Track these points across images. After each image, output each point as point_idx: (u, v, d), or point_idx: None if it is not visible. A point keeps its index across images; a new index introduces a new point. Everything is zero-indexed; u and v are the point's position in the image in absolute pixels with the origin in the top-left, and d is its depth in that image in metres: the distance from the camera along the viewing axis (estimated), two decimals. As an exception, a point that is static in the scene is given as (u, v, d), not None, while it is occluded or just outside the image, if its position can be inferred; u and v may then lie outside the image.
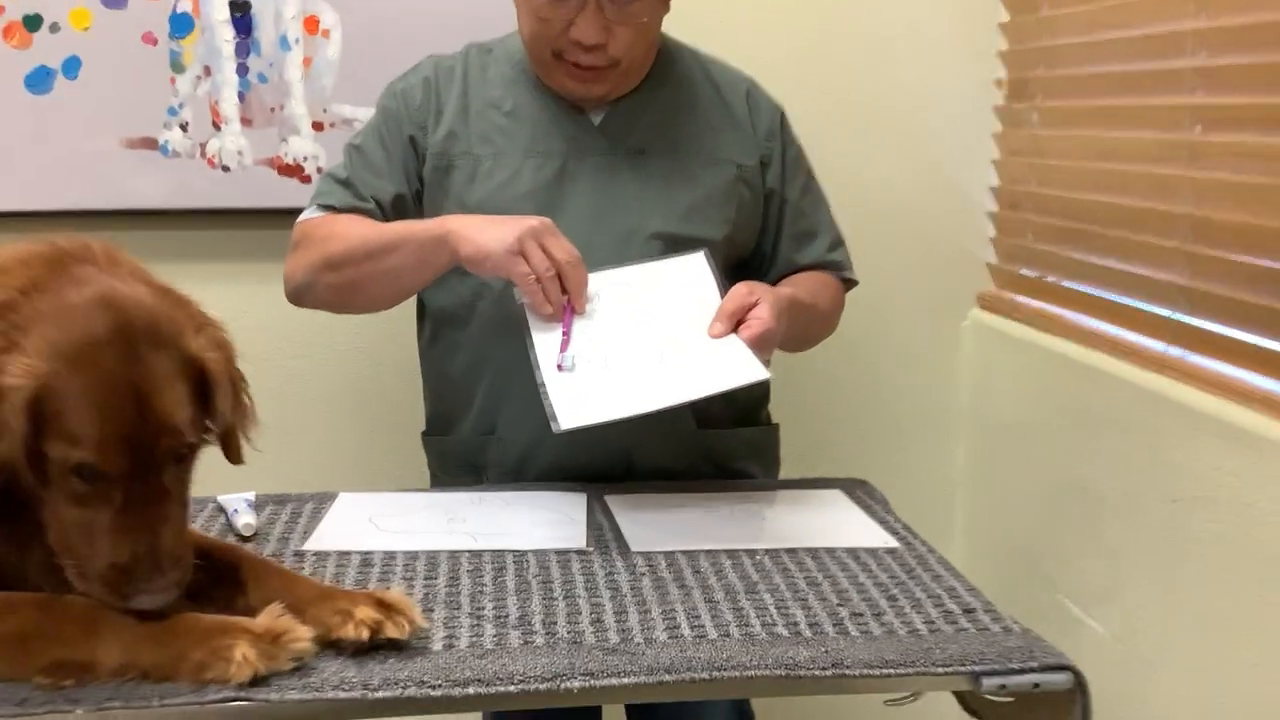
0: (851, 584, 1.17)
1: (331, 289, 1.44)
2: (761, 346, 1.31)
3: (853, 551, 1.26)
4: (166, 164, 1.88)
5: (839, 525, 1.35)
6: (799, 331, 1.48)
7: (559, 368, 1.27)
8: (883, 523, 1.36)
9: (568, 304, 1.32)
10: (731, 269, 1.54)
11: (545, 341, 1.30)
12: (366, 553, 1.22)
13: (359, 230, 1.42)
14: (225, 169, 1.89)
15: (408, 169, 1.50)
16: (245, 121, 1.90)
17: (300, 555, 1.22)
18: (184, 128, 1.88)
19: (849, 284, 1.63)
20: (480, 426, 1.51)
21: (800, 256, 1.58)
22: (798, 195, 1.58)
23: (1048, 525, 1.83)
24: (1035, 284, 1.96)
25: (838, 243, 1.62)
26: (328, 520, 1.32)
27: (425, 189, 1.50)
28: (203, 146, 1.88)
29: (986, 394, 2.06)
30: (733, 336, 1.31)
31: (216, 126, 1.88)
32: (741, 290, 1.34)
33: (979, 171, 2.07)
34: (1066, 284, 1.86)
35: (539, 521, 1.32)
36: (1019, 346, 1.93)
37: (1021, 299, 1.98)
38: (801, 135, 1.62)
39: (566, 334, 1.30)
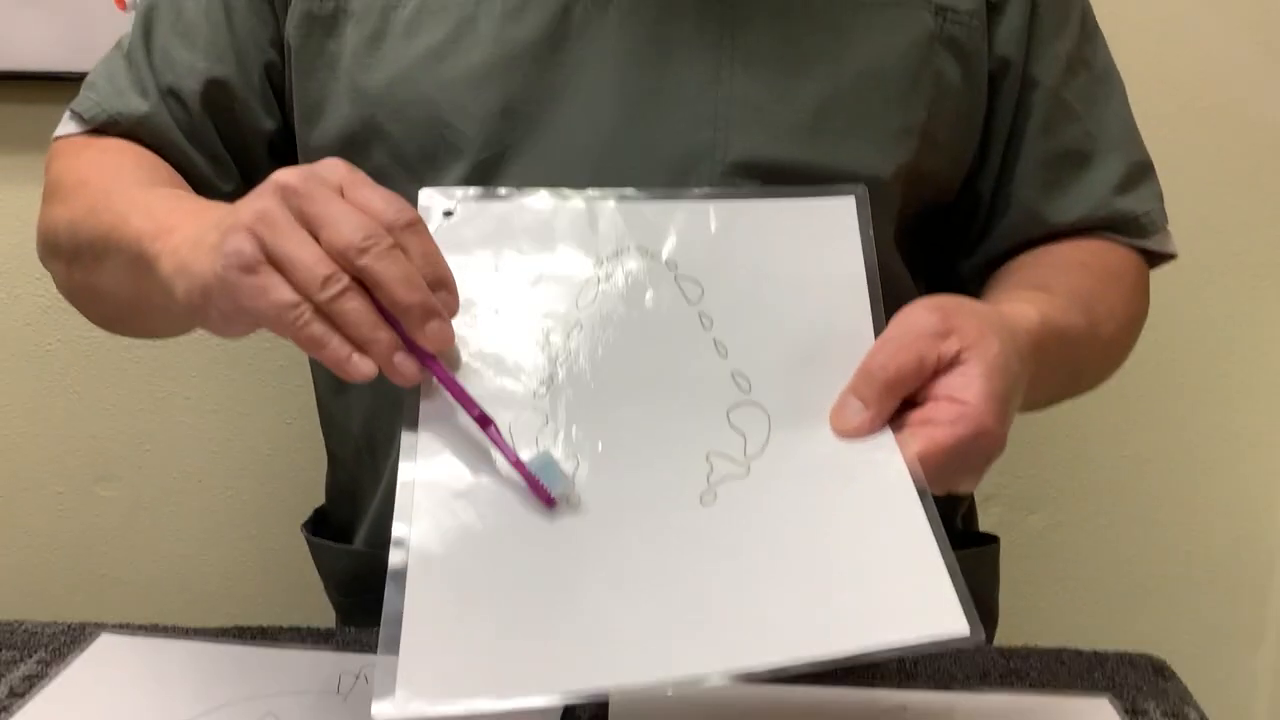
0: None
1: (65, 288, 0.80)
2: (958, 474, 0.56)
3: None
4: (60, 7, 1.24)
5: None
6: (1053, 391, 0.73)
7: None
8: None
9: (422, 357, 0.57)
10: (913, 235, 0.77)
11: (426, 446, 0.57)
12: None
13: (100, 187, 0.74)
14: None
15: (252, 23, 0.78)
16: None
17: None
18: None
19: (1158, 259, 0.83)
20: (384, 527, 0.79)
21: (1056, 208, 0.79)
22: (1058, 75, 0.78)
23: None
24: None
25: (1138, 173, 0.81)
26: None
27: (292, 62, 0.78)
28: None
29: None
30: (887, 440, 0.55)
31: (129, -55, 1.22)
32: (922, 322, 0.58)
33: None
34: None
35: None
36: None
37: None
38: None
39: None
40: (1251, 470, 1.32)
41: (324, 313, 0.55)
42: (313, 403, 0.92)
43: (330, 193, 0.56)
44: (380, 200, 0.57)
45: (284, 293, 0.55)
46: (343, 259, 0.55)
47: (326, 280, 0.54)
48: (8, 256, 1.28)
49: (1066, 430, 1.31)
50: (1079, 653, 0.77)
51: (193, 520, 1.34)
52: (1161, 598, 1.35)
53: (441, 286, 0.58)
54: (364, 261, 0.54)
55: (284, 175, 0.57)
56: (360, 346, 0.55)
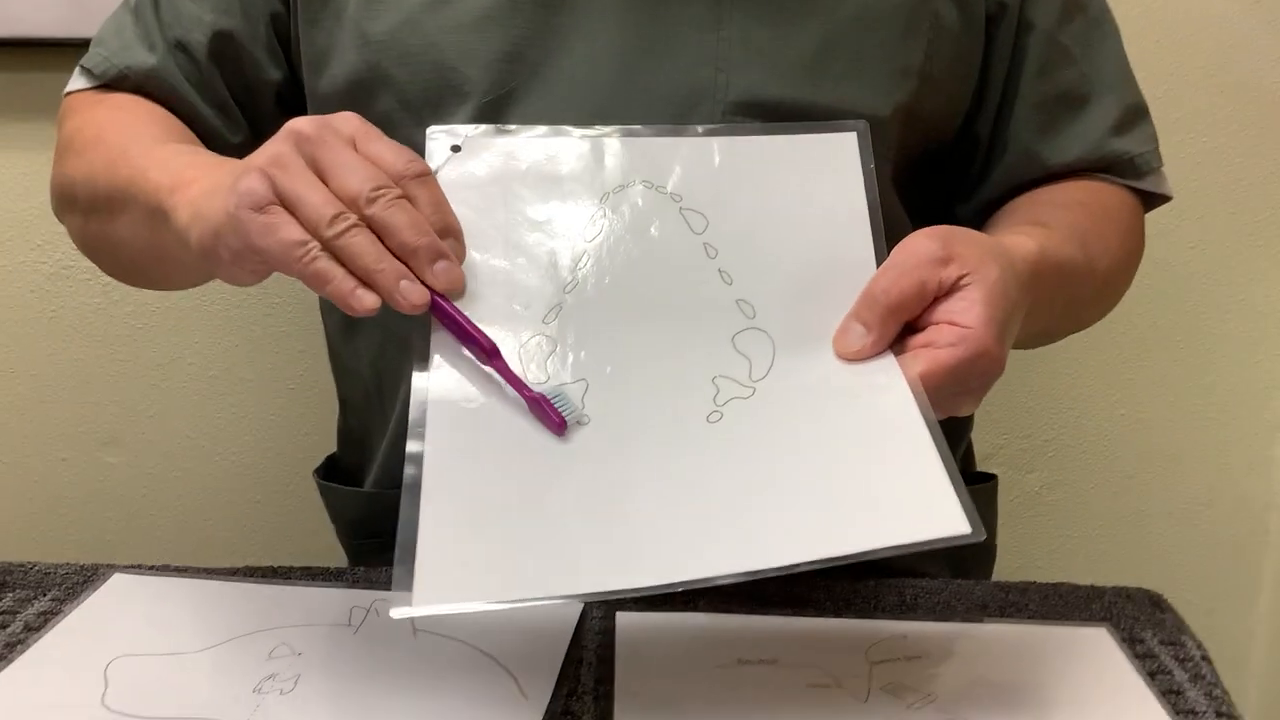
0: None
1: (81, 240, 0.81)
2: (958, 396, 0.57)
3: None
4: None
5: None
6: (1052, 323, 0.74)
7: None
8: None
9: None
10: (911, 179, 0.78)
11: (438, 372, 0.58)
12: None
13: (116, 143, 0.75)
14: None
15: None
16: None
17: None
18: (82, -89, 1.22)
19: (1154, 200, 0.84)
20: (392, 469, 0.81)
21: (1053, 149, 0.80)
22: (1054, 18, 0.80)
23: None
24: None
25: (1133, 115, 0.82)
26: (16, 668, 0.67)
27: (298, 12, 0.79)
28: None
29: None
30: (889, 363, 0.57)
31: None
32: (923, 249, 0.58)
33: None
34: None
35: (442, 707, 0.63)
36: None
37: None
38: None
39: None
40: (1248, 430, 1.33)
41: (331, 250, 0.56)
42: (317, 368, 0.93)
43: (343, 143, 0.58)
44: (390, 152, 0.58)
45: (292, 230, 0.56)
46: (352, 207, 0.56)
47: (334, 218, 0.56)
48: (10, 223, 1.29)
49: (1063, 389, 1.33)
50: (1076, 587, 0.78)
51: (197, 485, 1.35)
52: (1158, 555, 1.36)
53: (449, 234, 0.59)
54: (372, 210, 0.56)
55: (299, 123, 0.59)
56: (366, 280, 0.56)
